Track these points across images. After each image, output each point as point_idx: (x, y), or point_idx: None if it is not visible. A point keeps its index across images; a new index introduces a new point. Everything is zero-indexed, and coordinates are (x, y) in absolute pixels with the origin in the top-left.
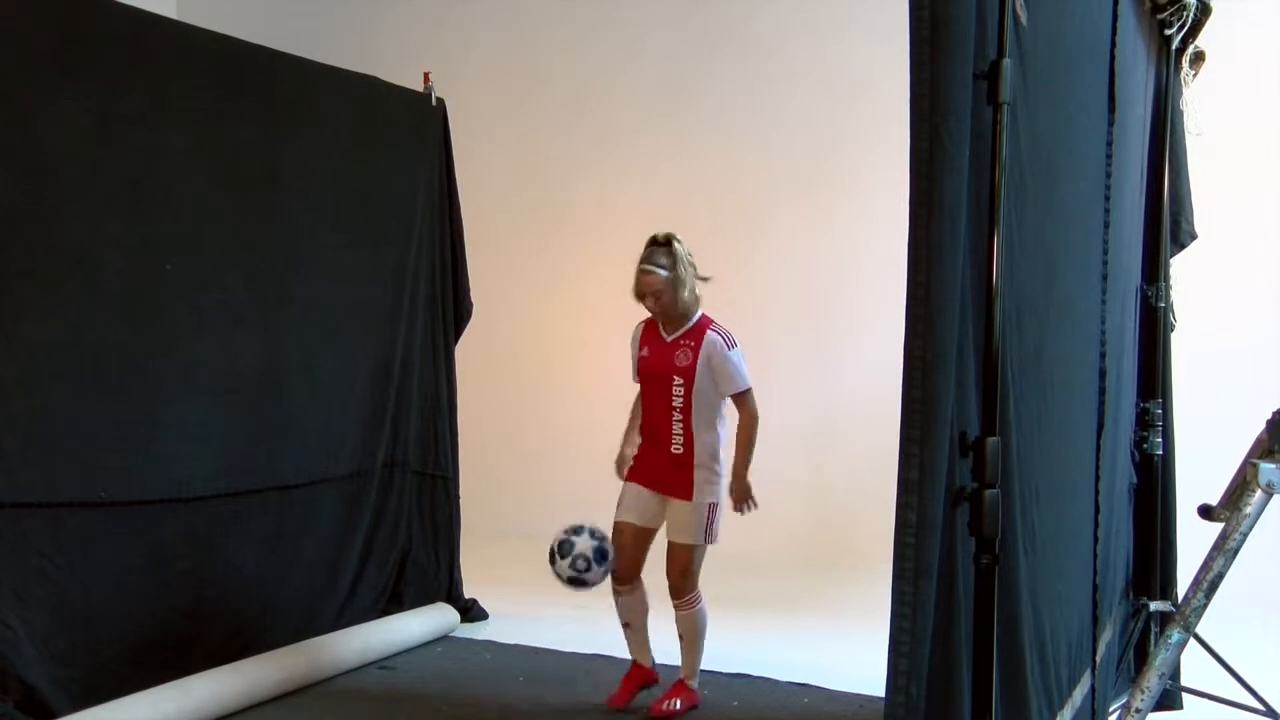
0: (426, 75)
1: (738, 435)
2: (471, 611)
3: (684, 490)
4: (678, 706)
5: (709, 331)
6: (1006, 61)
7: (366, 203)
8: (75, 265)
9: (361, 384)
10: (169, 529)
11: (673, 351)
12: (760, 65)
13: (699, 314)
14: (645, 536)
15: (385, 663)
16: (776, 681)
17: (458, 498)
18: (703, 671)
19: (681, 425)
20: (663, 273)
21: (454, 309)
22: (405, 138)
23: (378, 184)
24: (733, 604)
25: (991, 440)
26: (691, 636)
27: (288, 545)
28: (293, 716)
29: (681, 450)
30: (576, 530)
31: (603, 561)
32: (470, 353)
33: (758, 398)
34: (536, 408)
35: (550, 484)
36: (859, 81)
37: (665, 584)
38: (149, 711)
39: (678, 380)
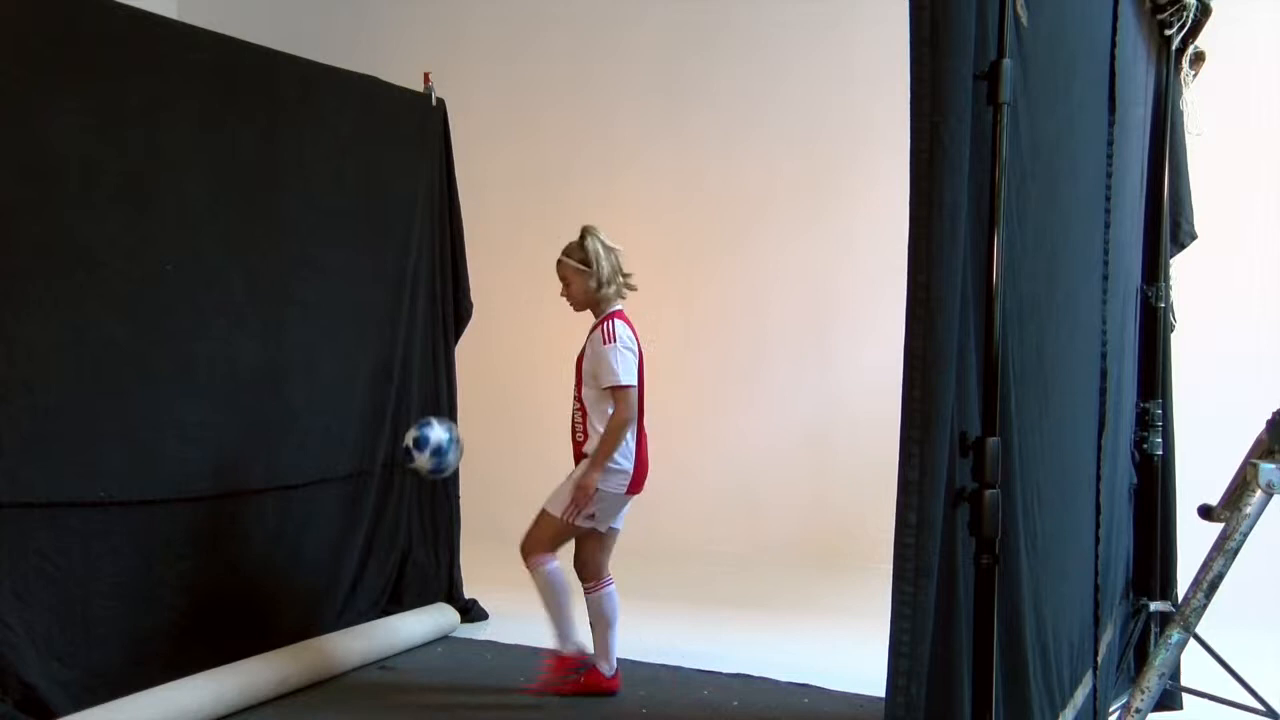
0: (426, 75)
1: (602, 432)
2: (471, 611)
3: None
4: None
5: (603, 324)
6: (1007, 61)
7: (366, 203)
8: (75, 265)
9: (361, 384)
10: (169, 529)
11: (584, 343)
12: (760, 65)
13: (612, 309)
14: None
15: (385, 663)
16: (776, 681)
17: (458, 498)
18: (703, 671)
19: (580, 415)
20: (572, 263)
21: (454, 309)
22: (405, 138)
23: (378, 184)
24: (734, 604)
25: (992, 440)
26: (541, 594)
27: (288, 545)
28: (293, 717)
29: (583, 439)
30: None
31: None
32: (470, 353)
33: (756, 397)
34: (536, 408)
35: (550, 484)
36: (859, 81)
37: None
38: (149, 711)
39: (579, 371)
